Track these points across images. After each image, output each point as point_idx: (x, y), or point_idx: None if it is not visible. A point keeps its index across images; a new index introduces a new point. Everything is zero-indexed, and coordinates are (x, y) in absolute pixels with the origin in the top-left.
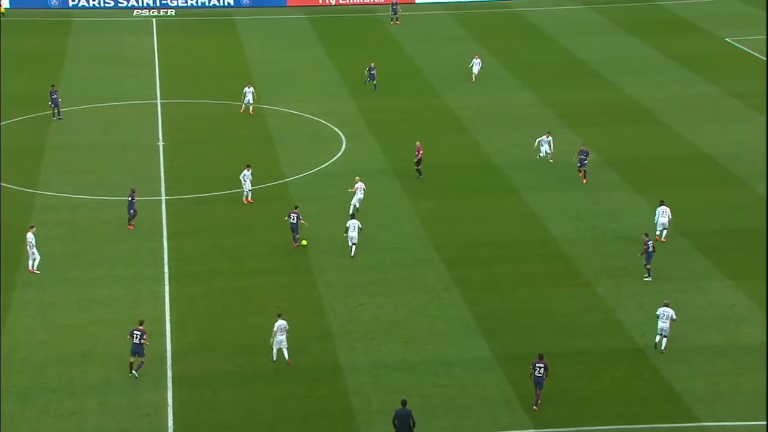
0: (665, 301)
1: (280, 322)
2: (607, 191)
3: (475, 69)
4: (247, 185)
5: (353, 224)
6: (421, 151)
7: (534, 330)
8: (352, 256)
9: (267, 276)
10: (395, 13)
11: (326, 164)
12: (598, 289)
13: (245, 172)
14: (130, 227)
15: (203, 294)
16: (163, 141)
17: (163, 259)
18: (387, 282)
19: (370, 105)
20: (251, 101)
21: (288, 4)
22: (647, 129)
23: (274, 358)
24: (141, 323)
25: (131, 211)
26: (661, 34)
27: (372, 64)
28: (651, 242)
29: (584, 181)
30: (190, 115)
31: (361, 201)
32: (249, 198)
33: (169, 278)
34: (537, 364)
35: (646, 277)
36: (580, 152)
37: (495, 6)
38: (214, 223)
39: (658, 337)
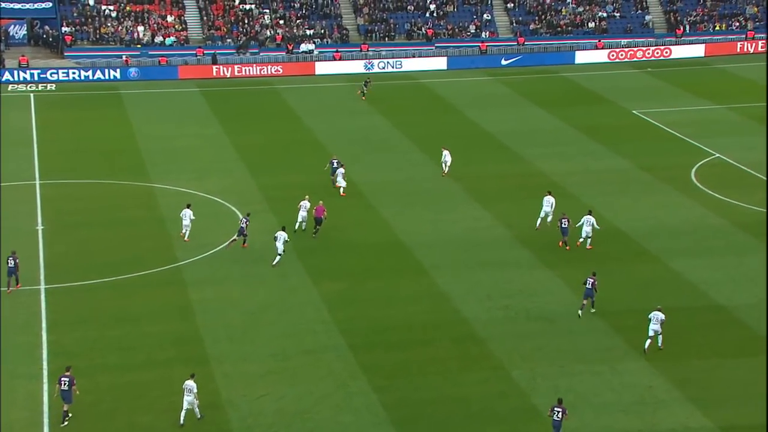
0: (658, 306)
1: (188, 383)
2: (518, 269)
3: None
4: (186, 221)
5: (281, 236)
6: (323, 212)
7: (446, 419)
8: (273, 265)
9: (159, 369)
10: (366, 86)
11: (223, 246)
12: (512, 372)
13: (185, 210)
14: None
15: (88, 391)
16: (42, 225)
17: (41, 354)
18: (289, 371)
19: (270, 181)
20: None
21: (180, 77)
22: (558, 203)
23: (181, 422)
24: (68, 369)
25: (12, 275)
26: (569, 106)
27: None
28: (566, 220)
29: (567, 248)
30: (73, 195)
31: (304, 218)
32: (186, 237)
33: (48, 376)
34: (555, 408)
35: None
36: (561, 219)
37: (399, 77)
38: (100, 312)
39: (648, 341)
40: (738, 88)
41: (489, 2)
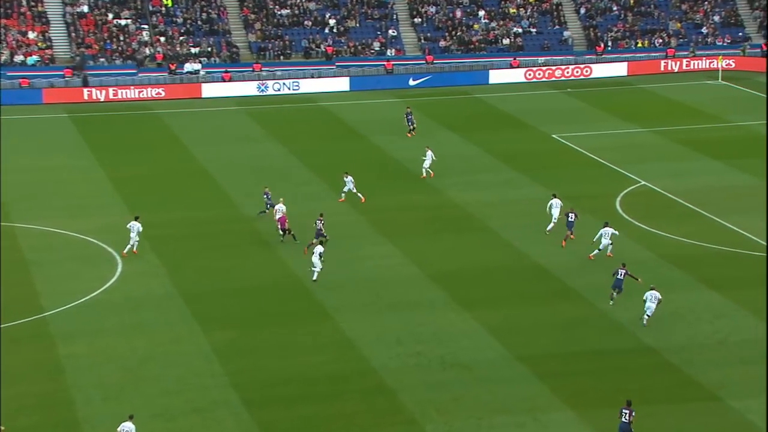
0: (651, 285)
1: (126, 425)
2: (431, 310)
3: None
4: (134, 234)
5: (316, 249)
6: (285, 221)
7: None
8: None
9: None
10: (411, 124)
11: (97, 292)
12: (426, 427)
13: (133, 223)
14: None
15: None
16: None
17: None
18: None
19: (152, 218)
20: None
21: (45, 101)
22: (473, 238)
23: None
24: None
25: None
26: (483, 130)
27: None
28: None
29: (572, 237)
30: None
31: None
32: (134, 249)
33: None
34: (624, 410)
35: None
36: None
37: (296, 100)
38: None
39: (646, 318)
40: (663, 109)
41: (394, 17)
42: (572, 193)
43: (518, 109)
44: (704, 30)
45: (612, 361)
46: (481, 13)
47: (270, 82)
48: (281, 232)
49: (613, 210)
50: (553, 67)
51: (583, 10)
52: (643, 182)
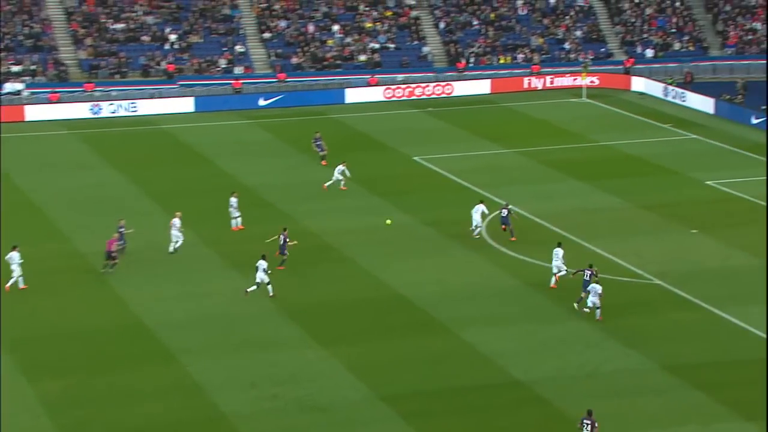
0: (596, 279)
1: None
2: (288, 349)
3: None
4: (15, 266)
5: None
6: (114, 244)
7: None
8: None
9: None
10: (322, 150)
11: None
12: None
13: (12, 253)
14: None
15: None
16: None
17: None
18: None
19: None
20: None
21: None
22: (331, 268)
23: None
24: None
25: None
26: (340, 153)
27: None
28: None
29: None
30: None
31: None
32: (21, 285)
33: None
34: (585, 421)
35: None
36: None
37: (134, 122)
38: None
39: (589, 309)
40: (527, 129)
41: (241, 32)
42: (436, 219)
43: (377, 130)
44: (567, 45)
45: (479, 397)
46: (336, 27)
47: (104, 104)
48: (108, 257)
49: (480, 235)
50: (413, 85)
51: (442, 25)
52: (511, 206)
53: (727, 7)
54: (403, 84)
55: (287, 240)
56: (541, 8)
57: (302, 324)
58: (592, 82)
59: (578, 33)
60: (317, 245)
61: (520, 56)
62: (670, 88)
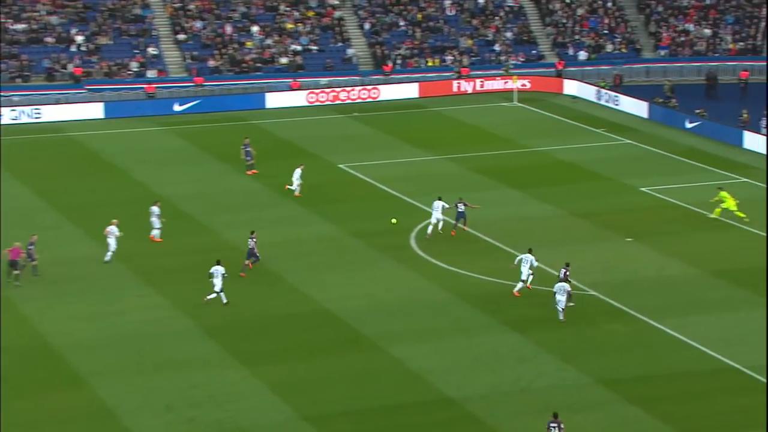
0: (560, 277)
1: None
2: (206, 369)
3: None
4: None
5: (218, 270)
6: (19, 255)
7: None
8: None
9: None
10: (250, 158)
11: None
12: None
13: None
14: None
15: None
16: None
17: None
18: None
19: None
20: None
21: None
22: (253, 283)
23: None
24: None
25: None
26: (261, 161)
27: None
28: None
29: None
30: None
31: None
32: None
33: None
34: (551, 424)
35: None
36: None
37: (38, 130)
38: None
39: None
40: (457, 134)
41: (154, 33)
42: (363, 229)
43: (300, 136)
44: (497, 47)
45: (409, 415)
46: (255, 28)
47: (5, 110)
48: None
49: (407, 247)
50: (338, 89)
51: (367, 26)
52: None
53: (660, 8)
54: (327, 88)
55: (255, 244)
56: (469, 8)
57: (222, 342)
58: (523, 85)
59: (508, 34)
60: (238, 258)
61: (449, 58)
62: (603, 91)
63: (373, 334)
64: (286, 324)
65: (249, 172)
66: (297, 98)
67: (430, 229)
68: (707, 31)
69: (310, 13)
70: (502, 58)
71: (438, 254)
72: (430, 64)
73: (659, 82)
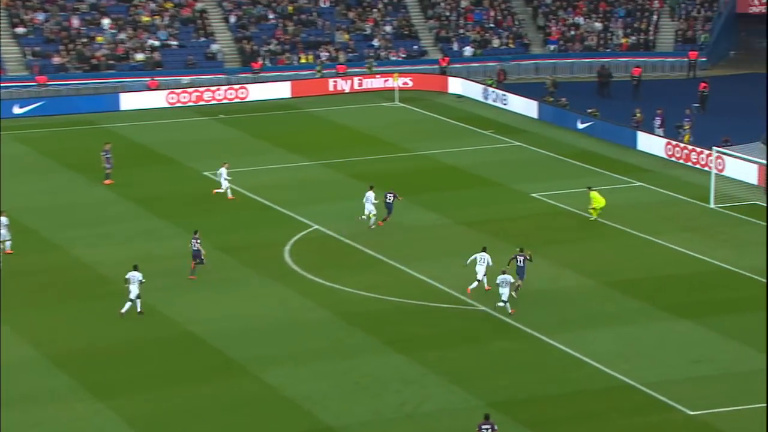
0: (503, 269)
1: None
2: (53, 403)
3: None
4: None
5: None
6: None
7: None
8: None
9: None
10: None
11: None
12: None
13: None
14: None
15: None
16: None
17: None
18: None
19: None
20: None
21: None
22: (108, 305)
23: None
24: None
25: None
26: (116, 169)
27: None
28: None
29: (380, 222)
30: None
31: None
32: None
33: None
34: (483, 426)
35: None
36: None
37: None
38: None
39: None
40: (335, 137)
41: None
42: (231, 243)
43: (160, 141)
44: (376, 42)
45: None
46: (106, 21)
47: None
48: None
49: (281, 262)
50: (201, 89)
51: (233, 19)
52: (316, 226)
53: (548, 0)
54: (189, 88)
55: (200, 245)
56: (345, 0)
57: (71, 372)
58: (405, 83)
59: (388, 28)
60: (90, 278)
61: (324, 55)
62: (491, 89)
63: (244, 359)
64: (145, 350)
65: (106, 182)
66: (155, 99)
67: (372, 221)
68: (598, 25)
69: (169, 5)
70: (391, 56)
71: (314, 269)
72: (303, 60)
73: (547, 79)
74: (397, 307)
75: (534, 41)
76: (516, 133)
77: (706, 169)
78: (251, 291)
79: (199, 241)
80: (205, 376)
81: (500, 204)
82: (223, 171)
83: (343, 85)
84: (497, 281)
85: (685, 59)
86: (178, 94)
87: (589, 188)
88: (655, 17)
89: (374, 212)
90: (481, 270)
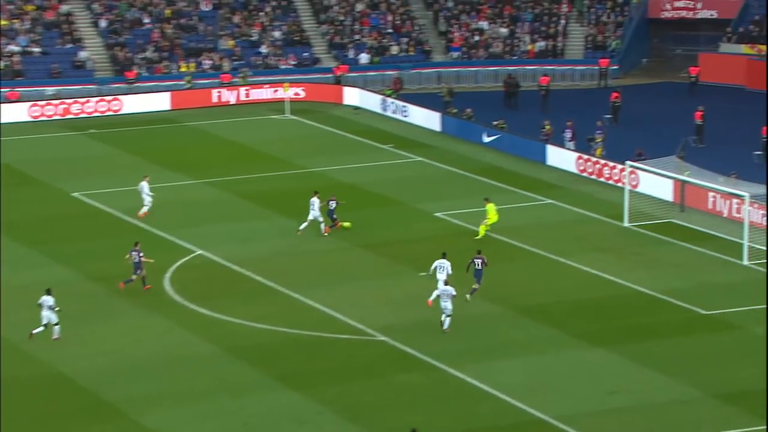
0: (445, 279)
1: None
2: None
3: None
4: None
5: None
6: None
7: None
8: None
9: None
10: None
11: None
12: None
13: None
14: None
15: None
16: None
17: None
18: None
19: None
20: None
21: None
22: None
23: None
24: None
25: None
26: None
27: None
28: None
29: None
30: None
31: None
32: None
33: None
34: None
35: None
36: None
37: None
38: None
39: (443, 316)
40: (220, 153)
41: None
42: (104, 272)
43: (21, 160)
44: (264, 49)
45: None
46: None
47: None
48: None
49: (161, 292)
50: (69, 101)
51: (104, 23)
52: (199, 251)
53: (450, 3)
54: (55, 99)
55: (141, 257)
56: (229, 3)
57: None
58: (296, 94)
59: (277, 34)
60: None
61: (207, 63)
62: (389, 100)
63: (119, 400)
64: (7, 391)
65: None
66: (16, 112)
67: (322, 227)
68: (503, 30)
69: (30, 7)
70: (281, 64)
71: (198, 298)
72: (183, 69)
73: (454, 89)
74: (290, 339)
75: (435, 48)
76: (417, 148)
77: (620, 185)
78: (126, 324)
79: (141, 254)
80: (75, 419)
81: (401, 225)
82: (145, 185)
83: (229, 96)
84: (438, 292)
85: (596, 67)
86: (42, 106)
87: (486, 200)
88: (563, 22)
89: (320, 218)
90: (441, 278)
